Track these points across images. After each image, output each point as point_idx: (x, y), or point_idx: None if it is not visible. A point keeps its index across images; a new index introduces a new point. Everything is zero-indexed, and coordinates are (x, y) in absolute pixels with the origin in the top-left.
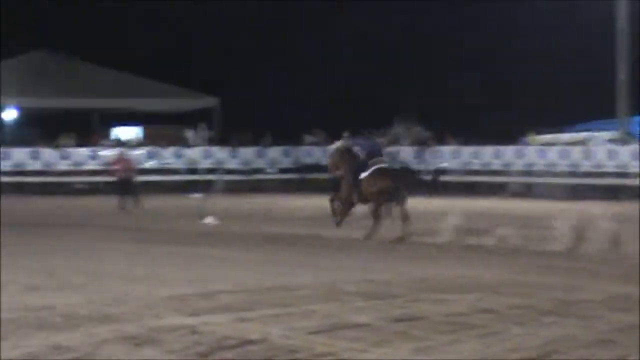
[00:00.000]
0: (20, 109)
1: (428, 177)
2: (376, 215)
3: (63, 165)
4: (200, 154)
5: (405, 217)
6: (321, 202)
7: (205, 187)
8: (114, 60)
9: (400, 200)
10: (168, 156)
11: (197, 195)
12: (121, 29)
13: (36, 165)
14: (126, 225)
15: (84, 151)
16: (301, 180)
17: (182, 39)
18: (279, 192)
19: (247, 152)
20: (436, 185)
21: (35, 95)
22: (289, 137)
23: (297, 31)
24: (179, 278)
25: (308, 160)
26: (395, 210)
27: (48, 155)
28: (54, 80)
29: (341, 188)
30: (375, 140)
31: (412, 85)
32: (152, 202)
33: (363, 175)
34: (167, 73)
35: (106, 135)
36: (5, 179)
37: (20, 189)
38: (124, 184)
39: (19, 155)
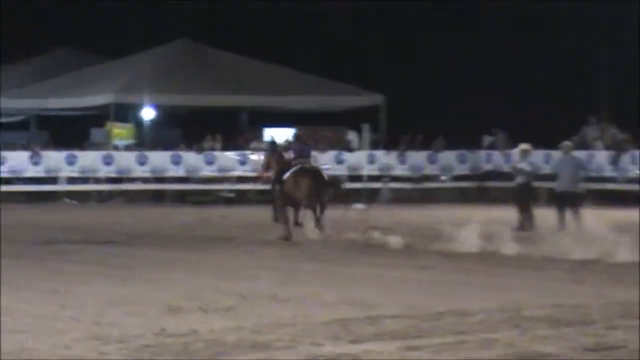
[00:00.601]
0: (159, 107)
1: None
2: (312, 209)
3: (208, 171)
4: (363, 159)
5: (320, 213)
6: (501, 214)
7: (369, 196)
8: (265, 53)
9: (319, 197)
10: (327, 161)
11: (359, 206)
12: (273, 19)
13: (178, 171)
14: (278, 239)
15: (231, 155)
16: (479, 189)
17: (341, 29)
18: (453, 202)
19: (417, 157)
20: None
21: (176, 92)
22: (465, 139)
23: (476, 20)
24: (339, 300)
25: (487, 166)
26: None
27: (191, 160)
28: (197, 75)
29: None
30: (306, 143)
31: (608, 81)
32: (306, 212)
33: (286, 175)
34: (326, 67)
35: (257, 137)
36: (142, 186)
37: (160, 197)
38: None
39: (159, 159)
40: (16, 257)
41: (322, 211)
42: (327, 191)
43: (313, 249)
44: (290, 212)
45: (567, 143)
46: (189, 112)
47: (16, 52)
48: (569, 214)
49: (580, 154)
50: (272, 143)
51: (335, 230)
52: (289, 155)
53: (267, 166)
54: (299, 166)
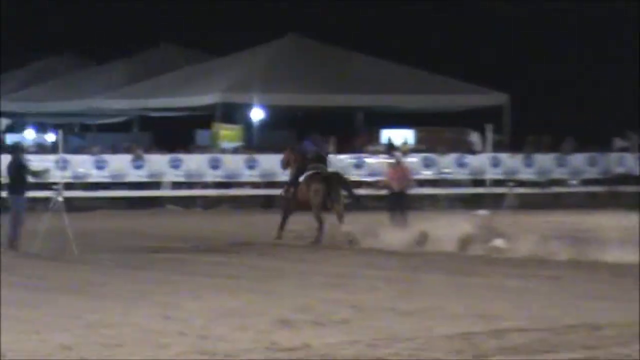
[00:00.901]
0: (268, 107)
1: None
2: (318, 220)
3: None
4: (486, 162)
5: (339, 217)
6: (634, 221)
7: (493, 202)
8: (382, 49)
9: (334, 202)
10: (447, 164)
11: (483, 212)
12: (389, 13)
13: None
14: (395, 248)
15: (345, 158)
16: (611, 194)
17: (462, 24)
18: (583, 208)
19: (544, 160)
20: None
21: (287, 91)
22: (596, 141)
23: (605, 19)
24: (461, 312)
25: (619, 169)
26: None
27: None
28: (309, 73)
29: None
30: (321, 145)
31: None
32: (427, 221)
33: (301, 178)
34: (446, 64)
35: (373, 139)
36: (251, 191)
37: (270, 202)
38: (398, 198)
39: (269, 162)
40: (119, 266)
41: (339, 219)
42: (340, 198)
43: (435, 259)
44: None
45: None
46: (300, 113)
47: (118, 50)
48: None
49: None
50: (306, 144)
51: (459, 238)
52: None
53: (286, 164)
54: (314, 170)
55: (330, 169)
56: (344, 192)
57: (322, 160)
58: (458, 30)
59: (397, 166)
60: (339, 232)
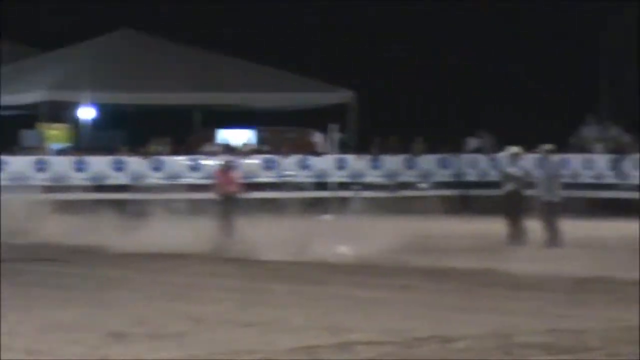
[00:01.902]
0: (98, 106)
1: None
2: None
3: (154, 178)
4: (331, 164)
5: None
6: (489, 227)
7: (337, 206)
8: (219, 43)
9: None
10: (290, 166)
11: (327, 217)
12: (226, 3)
13: (120, 178)
14: (236, 256)
15: (181, 160)
16: (463, 198)
17: (306, 16)
18: (434, 213)
19: (392, 162)
20: None
21: (118, 88)
22: (447, 141)
23: (458, 10)
24: (306, 324)
25: (471, 172)
26: None
27: (135, 166)
28: (141, 69)
29: None
30: None
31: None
32: (268, 226)
33: None
34: (288, 59)
35: (210, 139)
36: (80, 195)
37: (98, 206)
38: (226, 203)
39: (99, 164)
40: None
41: None
42: None
43: (279, 267)
44: None
45: (545, 146)
46: (132, 111)
47: None
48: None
49: (577, 158)
50: None
51: (303, 245)
52: None
53: None
54: None
55: None
56: None
57: None
58: (298, 23)
59: (226, 169)
60: None
